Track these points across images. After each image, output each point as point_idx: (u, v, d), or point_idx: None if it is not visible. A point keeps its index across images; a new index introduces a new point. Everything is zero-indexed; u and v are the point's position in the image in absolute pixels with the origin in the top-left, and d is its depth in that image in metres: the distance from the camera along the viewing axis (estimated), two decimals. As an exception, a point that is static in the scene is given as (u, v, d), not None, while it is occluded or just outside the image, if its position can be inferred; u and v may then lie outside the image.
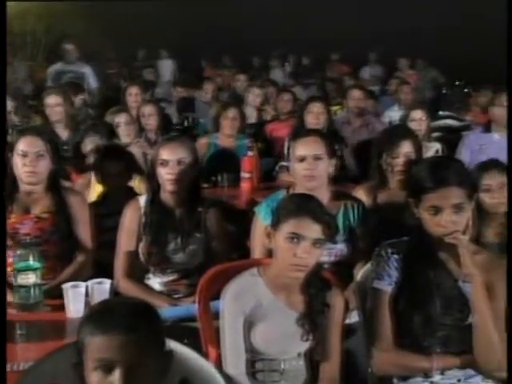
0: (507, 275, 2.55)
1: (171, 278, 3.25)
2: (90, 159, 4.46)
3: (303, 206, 2.44)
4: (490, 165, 3.52)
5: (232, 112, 5.50)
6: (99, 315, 1.78)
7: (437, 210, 2.41)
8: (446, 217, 2.39)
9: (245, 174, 4.86)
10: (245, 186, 4.84)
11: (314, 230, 2.39)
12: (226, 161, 5.32)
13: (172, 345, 1.93)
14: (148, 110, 5.76)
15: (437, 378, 2.44)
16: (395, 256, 2.51)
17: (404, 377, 2.48)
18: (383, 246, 2.56)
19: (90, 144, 4.59)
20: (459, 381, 2.45)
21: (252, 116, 7.03)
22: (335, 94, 8.58)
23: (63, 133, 5.56)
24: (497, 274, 2.47)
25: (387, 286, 2.48)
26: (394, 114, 6.99)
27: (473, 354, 2.44)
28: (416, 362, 2.46)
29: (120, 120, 5.25)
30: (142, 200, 3.31)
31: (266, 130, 6.54)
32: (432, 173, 2.46)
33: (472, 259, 2.42)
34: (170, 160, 3.20)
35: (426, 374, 2.45)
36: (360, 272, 2.80)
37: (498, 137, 5.23)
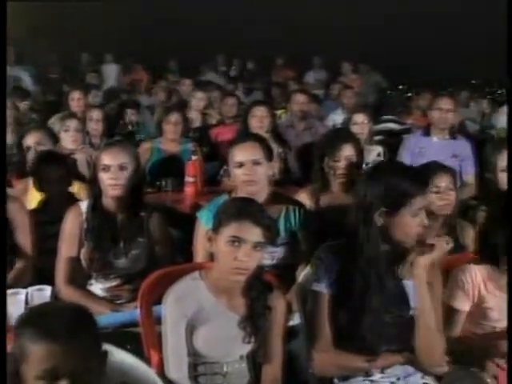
0: (507, 275, 2.63)
1: (114, 283, 3.24)
2: (31, 154, 4.38)
3: (244, 209, 2.46)
4: (438, 167, 3.59)
5: (174, 116, 5.51)
6: (38, 322, 1.76)
7: (419, 213, 2.50)
8: (424, 220, 2.50)
9: (189, 179, 4.85)
10: (189, 190, 4.83)
11: (254, 234, 2.41)
12: (170, 165, 5.31)
13: (113, 351, 1.93)
14: (95, 115, 5.76)
15: (377, 376, 2.50)
16: (334, 258, 2.54)
17: (345, 376, 2.52)
18: (323, 248, 2.60)
19: (31, 139, 4.51)
20: (399, 379, 2.51)
21: (197, 120, 7.04)
22: (280, 98, 8.67)
23: (9, 138, 5.49)
24: (435, 274, 2.57)
25: (326, 288, 2.52)
26: (337, 118, 7.08)
27: (413, 350, 2.50)
28: (356, 362, 2.50)
29: (70, 125, 5.18)
30: (84, 205, 3.29)
31: (211, 134, 6.54)
32: (416, 179, 2.56)
33: (425, 261, 2.50)
34: (112, 165, 3.19)
35: (367, 373, 2.50)
36: (301, 274, 2.84)
37: (437, 140, 5.35)
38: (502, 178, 3.52)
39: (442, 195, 3.47)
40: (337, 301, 2.51)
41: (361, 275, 2.50)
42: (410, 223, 2.49)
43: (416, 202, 2.49)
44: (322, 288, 2.52)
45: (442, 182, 3.48)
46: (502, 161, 3.54)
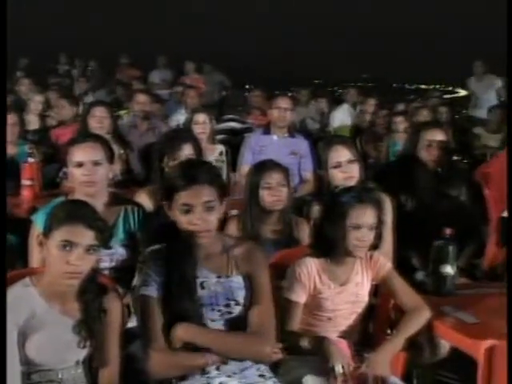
0: (507, 275, 2.69)
1: None
2: None
3: (74, 212, 2.42)
4: (269, 164, 3.68)
5: (11, 117, 5.30)
6: None
7: (188, 209, 2.49)
8: (197, 215, 2.49)
9: (25, 182, 4.70)
10: (25, 193, 4.68)
11: (86, 236, 2.38)
12: (6, 168, 5.11)
13: None
14: None
15: (213, 373, 2.50)
16: (158, 261, 2.54)
17: (182, 377, 2.50)
18: (147, 252, 2.62)
19: None
20: (235, 373, 2.52)
21: (35, 122, 6.86)
22: (124, 98, 8.59)
23: None
24: (256, 264, 2.63)
25: (154, 292, 2.51)
26: (181, 118, 7.11)
27: None
28: (190, 360, 2.50)
29: None
30: None
31: (51, 135, 6.38)
32: (183, 172, 2.56)
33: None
34: None
35: (203, 371, 2.50)
36: (136, 276, 2.81)
37: (277, 138, 5.48)
38: (333, 174, 3.67)
39: (273, 191, 3.54)
40: (164, 303, 2.50)
41: (182, 275, 2.52)
42: (180, 219, 2.52)
43: (180, 196, 2.50)
44: (151, 291, 2.51)
45: (272, 178, 3.56)
46: (332, 158, 3.69)
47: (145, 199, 3.76)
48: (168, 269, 2.52)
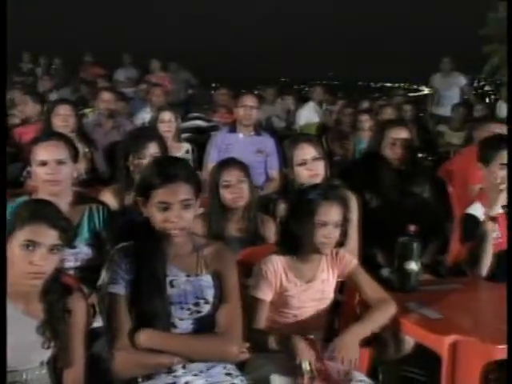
0: (507, 275, 2.69)
1: None
2: None
3: (38, 211, 2.40)
4: (229, 162, 3.68)
5: None
6: None
7: (166, 206, 2.49)
8: (175, 212, 2.49)
9: (-12, 181, 4.63)
10: (-12, 193, 4.61)
11: (49, 236, 2.36)
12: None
13: None
14: None
15: (179, 371, 2.50)
16: (127, 259, 2.54)
17: (148, 375, 2.50)
18: (115, 250, 2.61)
19: None
20: (202, 372, 2.52)
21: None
22: (89, 96, 8.54)
23: None
24: (225, 263, 2.65)
25: (122, 289, 2.51)
26: (146, 116, 7.07)
27: None
28: (156, 359, 2.49)
29: None
30: None
31: (14, 134, 6.30)
32: (160, 169, 2.55)
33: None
34: None
35: (170, 369, 2.50)
36: (102, 276, 2.80)
37: (242, 136, 5.49)
38: (298, 171, 3.68)
39: (232, 189, 3.53)
40: (132, 301, 2.51)
41: (151, 272, 2.52)
42: (156, 216, 2.52)
43: (156, 194, 2.50)
44: (118, 289, 2.51)
45: (231, 176, 3.54)
46: (297, 155, 3.70)
47: (109, 198, 3.75)
48: (137, 266, 2.52)
